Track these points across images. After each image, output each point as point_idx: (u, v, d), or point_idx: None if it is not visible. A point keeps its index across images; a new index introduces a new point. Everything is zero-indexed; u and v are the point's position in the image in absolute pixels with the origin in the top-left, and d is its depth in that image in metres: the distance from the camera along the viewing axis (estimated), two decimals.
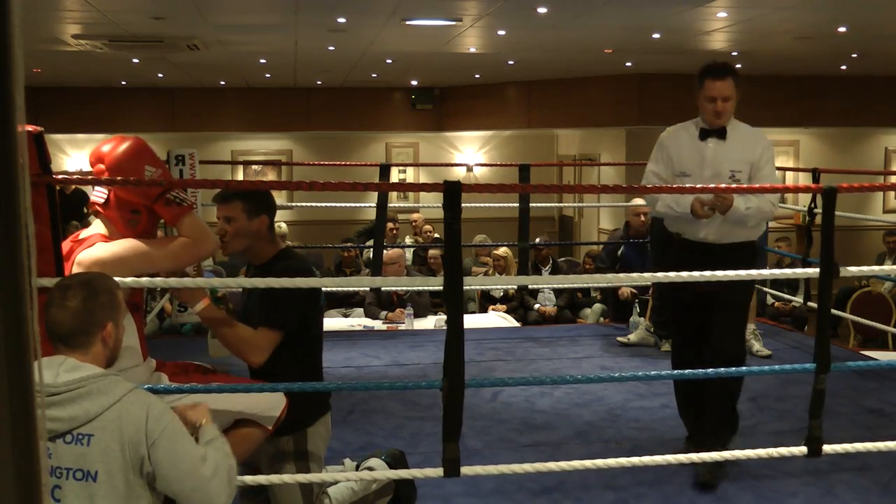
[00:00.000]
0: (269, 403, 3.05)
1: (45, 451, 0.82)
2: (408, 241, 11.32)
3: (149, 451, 2.18)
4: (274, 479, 3.12)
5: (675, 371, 3.83)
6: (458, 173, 14.67)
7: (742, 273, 5.89)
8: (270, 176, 14.70)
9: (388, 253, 8.00)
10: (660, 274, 3.49)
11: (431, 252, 9.42)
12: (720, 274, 3.60)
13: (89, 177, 3.01)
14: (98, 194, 3.06)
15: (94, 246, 2.97)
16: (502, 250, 9.07)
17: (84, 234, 3.09)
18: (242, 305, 3.37)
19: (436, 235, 10.71)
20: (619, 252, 7.53)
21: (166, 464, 2.21)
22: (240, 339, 3.09)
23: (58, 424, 2.16)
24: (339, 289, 7.73)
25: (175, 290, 3.16)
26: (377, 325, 7.53)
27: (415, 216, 11.90)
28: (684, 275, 3.62)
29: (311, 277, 3.22)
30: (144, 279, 2.96)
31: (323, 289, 3.59)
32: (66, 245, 3.06)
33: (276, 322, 3.12)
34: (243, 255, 3.30)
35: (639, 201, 7.29)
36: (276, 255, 3.27)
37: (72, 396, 2.16)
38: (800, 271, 4.39)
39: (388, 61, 11.06)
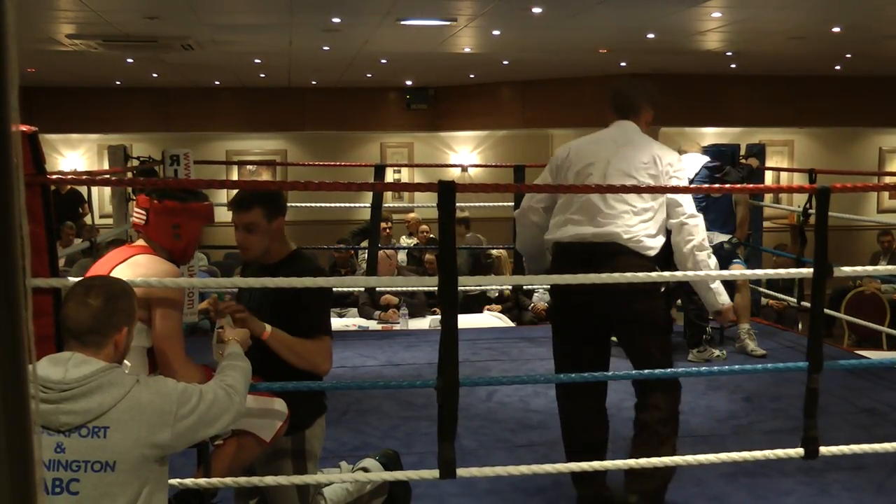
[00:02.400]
0: (269, 419, 3.07)
1: (39, 453, 0.82)
2: (403, 241, 11.30)
3: (171, 431, 2.29)
4: (269, 480, 3.12)
5: (669, 370, 3.72)
6: (453, 173, 14.66)
7: (748, 273, 5.93)
8: (265, 176, 14.68)
9: (382, 254, 8.02)
10: (654, 273, 3.48)
11: (428, 256, 9.41)
12: (715, 273, 3.60)
13: (83, 177, 3.01)
14: (139, 215, 3.13)
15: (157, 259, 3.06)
16: (495, 252, 9.11)
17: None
18: (245, 303, 3.36)
19: (431, 236, 10.69)
20: None
21: (187, 435, 2.36)
22: (311, 352, 3.13)
23: (72, 418, 2.19)
24: (334, 289, 7.72)
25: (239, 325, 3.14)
26: (372, 325, 7.53)
27: (410, 216, 11.89)
28: (679, 274, 3.60)
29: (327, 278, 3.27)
30: (169, 279, 2.97)
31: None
32: (122, 251, 3.15)
33: (328, 327, 3.21)
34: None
35: None
36: (289, 255, 3.27)
37: (84, 391, 2.21)
38: (794, 271, 4.40)
39: (383, 61, 11.06)
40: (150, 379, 2.41)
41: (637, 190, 3.50)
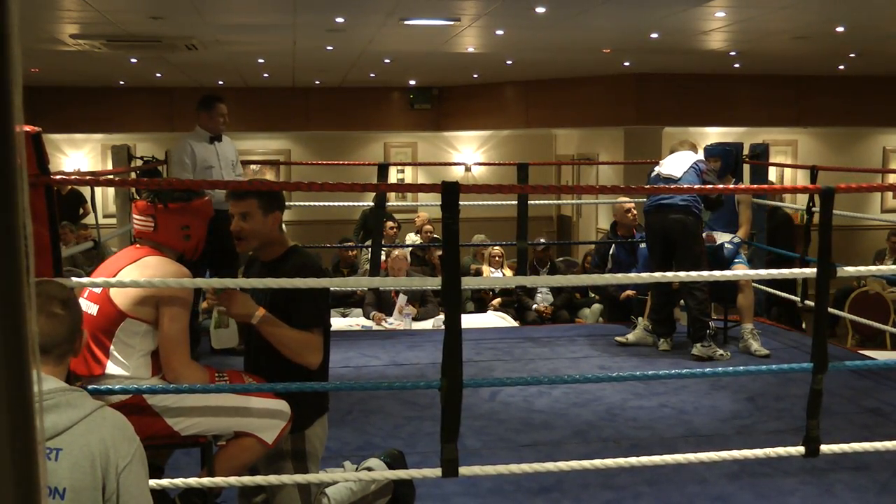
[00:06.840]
0: (272, 420, 3.07)
1: (43, 456, 0.82)
2: (409, 238, 11.30)
3: (119, 473, 2.05)
4: (272, 479, 3.12)
5: (674, 372, 3.80)
6: (457, 173, 14.65)
7: (751, 273, 5.93)
8: (269, 176, 14.69)
9: (395, 253, 8.03)
10: (657, 274, 3.49)
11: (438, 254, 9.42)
12: (718, 274, 3.60)
13: (87, 177, 3.02)
14: (144, 223, 3.12)
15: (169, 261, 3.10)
16: (497, 249, 9.18)
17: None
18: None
19: (435, 235, 10.68)
20: (611, 252, 7.56)
21: (134, 490, 2.07)
22: (302, 342, 3.12)
23: None
24: (337, 288, 7.72)
25: (226, 302, 3.11)
26: (375, 324, 7.51)
27: (421, 215, 11.89)
28: (682, 275, 3.65)
29: (325, 277, 3.28)
30: (173, 280, 2.98)
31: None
32: (130, 252, 3.16)
33: (322, 322, 3.21)
34: (254, 250, 3.33)
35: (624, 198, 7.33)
36: (287, 251, 3.30)
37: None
38: (797, 271, 4.40)
39: (387, 61, 11.06)
40: (117, 413, 2.19)
41: (632, 190, 3.50)
